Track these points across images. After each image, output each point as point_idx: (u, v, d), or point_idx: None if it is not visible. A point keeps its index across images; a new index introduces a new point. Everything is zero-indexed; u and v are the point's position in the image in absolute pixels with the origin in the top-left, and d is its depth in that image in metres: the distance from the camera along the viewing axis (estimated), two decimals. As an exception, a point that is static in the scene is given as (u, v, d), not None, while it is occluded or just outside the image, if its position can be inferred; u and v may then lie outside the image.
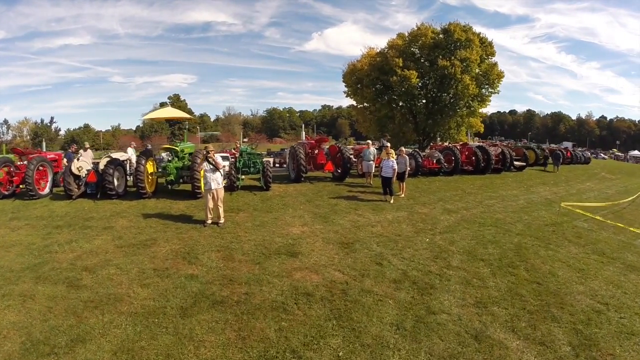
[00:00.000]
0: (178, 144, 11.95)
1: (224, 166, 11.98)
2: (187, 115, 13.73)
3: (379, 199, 11.67)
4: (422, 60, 28.78)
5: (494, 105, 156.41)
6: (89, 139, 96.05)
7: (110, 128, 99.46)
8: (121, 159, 12.32)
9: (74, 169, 11.03)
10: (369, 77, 28.91)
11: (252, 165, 12.41)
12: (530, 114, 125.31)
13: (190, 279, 5.67)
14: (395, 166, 11.41)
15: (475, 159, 18.25)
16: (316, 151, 15.22)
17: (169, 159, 12.06)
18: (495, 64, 28.74)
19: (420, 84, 29.15)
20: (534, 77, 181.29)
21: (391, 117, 29.97)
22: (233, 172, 11.72)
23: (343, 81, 31.74)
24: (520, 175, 19.27)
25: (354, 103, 33.34)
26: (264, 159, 13.15)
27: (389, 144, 19.15)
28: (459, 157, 17.55)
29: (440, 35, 28.37)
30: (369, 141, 15.34)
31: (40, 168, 11.52)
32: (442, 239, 7.98)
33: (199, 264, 6.22)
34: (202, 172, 8.42)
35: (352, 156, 14.80)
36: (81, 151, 13.74)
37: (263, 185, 12.16)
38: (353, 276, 5.93)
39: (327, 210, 10.12)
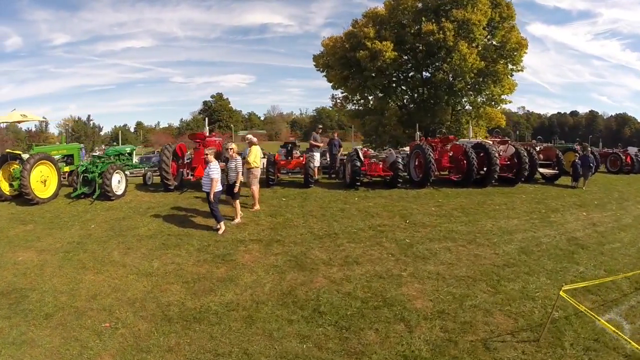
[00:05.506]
0: (33, 147, 11.13)
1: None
2: (39, 118, 13.45)
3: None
4: (411, 32, 21.23)
5: (555, 106, 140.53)
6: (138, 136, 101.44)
7: (167, 124, 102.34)
8: None
9: None
10: (334, 55, 22.08)
11: (88, 171, 10.20)
12: (592, 115, 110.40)
13: None
14: (216, 175, 5.79)
15: (467, 163, 11.62)
16: (189, 151, 11.52)
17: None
18: (513, 28, 19.83)
19: (409, 62, 21.68)
20: (598, 76, 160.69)
21: (367, 107, 22.71)
22: (75, 177, 10.51)
23: (313, 63, 24.82)
24: (543, 191, 12.05)
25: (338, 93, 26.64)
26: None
27: (338, 141, 13.26)
28: (431, 161, 11.06)
29: None
30: (250, 135, 9.52)
31: None
32: None
33: None
34: None
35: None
36: None
37: (92, 195, 10.12)
38: None
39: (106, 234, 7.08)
